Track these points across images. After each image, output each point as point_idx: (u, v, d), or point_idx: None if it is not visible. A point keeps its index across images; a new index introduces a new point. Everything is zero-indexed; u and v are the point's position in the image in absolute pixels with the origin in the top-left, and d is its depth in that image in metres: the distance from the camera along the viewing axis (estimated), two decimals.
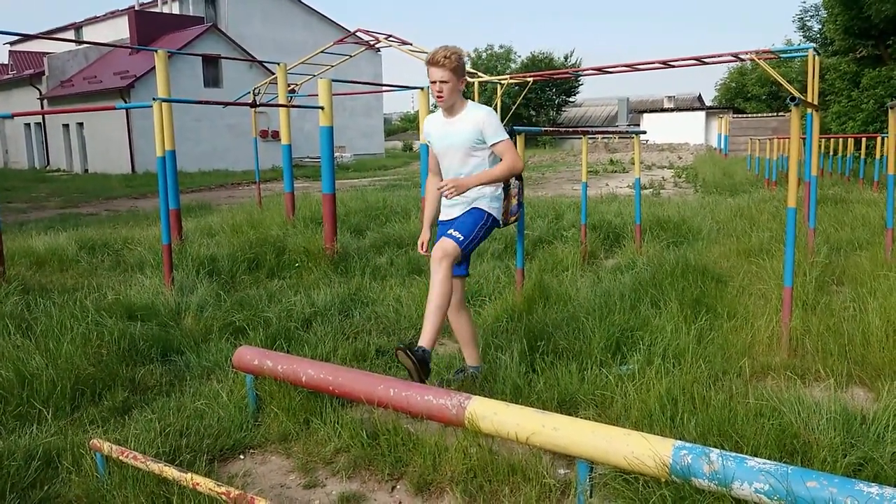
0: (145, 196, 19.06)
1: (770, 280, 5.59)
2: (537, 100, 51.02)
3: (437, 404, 2.93)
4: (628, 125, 48.21)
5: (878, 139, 13.60)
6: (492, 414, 2.80)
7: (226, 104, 6.87)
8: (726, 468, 2.30)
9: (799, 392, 3.42)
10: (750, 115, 37.19)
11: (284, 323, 4.92)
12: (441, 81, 3.58)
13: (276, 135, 32.17)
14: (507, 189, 4.92)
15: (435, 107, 3.87)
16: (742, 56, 8.51)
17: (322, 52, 11.28)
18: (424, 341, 3.38)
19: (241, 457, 3.32)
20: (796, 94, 7.22)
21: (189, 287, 5.82)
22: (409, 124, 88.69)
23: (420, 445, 3.10)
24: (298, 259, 7.20)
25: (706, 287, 5.49)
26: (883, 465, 2.72)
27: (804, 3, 39.00)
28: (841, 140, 14.39)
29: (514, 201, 5.02)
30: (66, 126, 32.33)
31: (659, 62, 9.00)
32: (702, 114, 43.32)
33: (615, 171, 25.06)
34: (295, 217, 9.81)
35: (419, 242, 3.97)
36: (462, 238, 3.61)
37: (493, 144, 3.67)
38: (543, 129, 6.61)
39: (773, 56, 8.58)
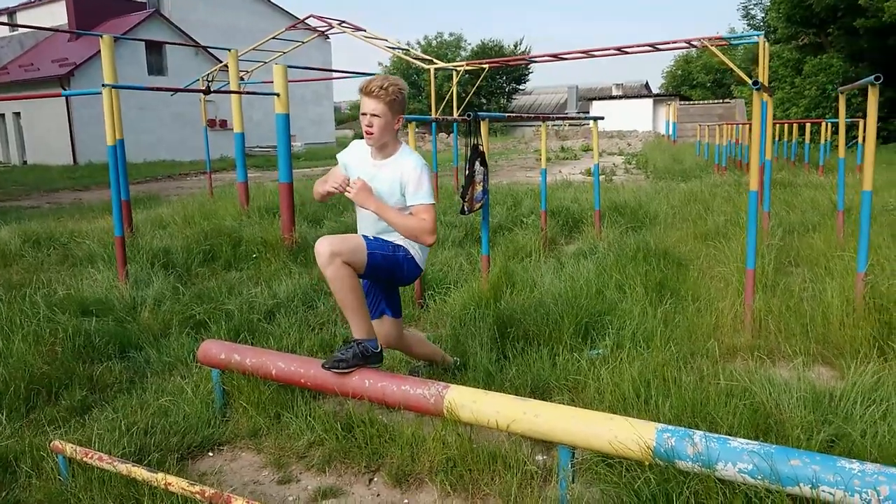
0: (89, 188, 18.44)
1: (730, 263, 5.68)
2: (488, 88, 51.10)
3: (414, 394, 2.88)
4: (577, 112, 48.72)
5: (823, 124, 14.01)
6: (471, 402, 2.76)
7: (178, 90, 6.65)
8: (710, 449, 2.31)
9: (768, 372, 3.48)
10: (697, 102, 37.96)
11: (247, 315, 4.79)
12: (372, 115, 3.06)
13: (224, 124, 31.55)
14: (472, 176, 4.89)
15: None
16: (695, 43, 8.63)
17: (274, 38, 11.04)
18: (358, 334, 3.10)
19: (210, 454, 3.22)
20: (746, 79, 7.32)
21: (144, 280, 5.63)
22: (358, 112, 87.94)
23: (397, 437, 3.05)
24: (256, 250, 7.03)
25: (668, 271, 5.55)
26: (855, 440, 2.77)
27: None
28: (786, 126, 14.78)
29: (479, 188, 4.99)
30: (1, 116, 31.06)
31: (613, 49, 9.06)
32: (649, 101, 44.07)
33: (567, 159, 25.27)
34: (249, 207, 9.60)
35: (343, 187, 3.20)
36: (369, 245, 3.08)
37: (412, 206, 3.12)
38: (507, 114, 6.58)
39: (724, 42, 8.71)
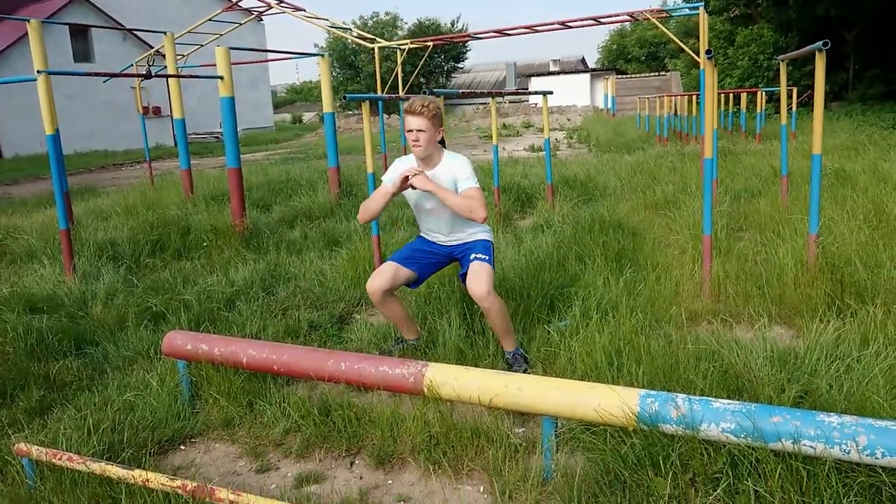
0: (18, 182, 17.67)
1: (683, 231, 5.80)
2: (427, 67, 50.74)
3: (393, 374, 2.85)
4: (517, 89, 48.87)
5: (759, 94, 14.40)
6: (452, 379, 2.74)
7: (117, 76, 6.38)
8: (693, 411, 2.35)
9: (735, 334, 3.57)
10: (633, 76, 38.52)
11: (206, 305, 4.67)
12: (418, 130, 3.46)
13: (157, 111, 30.60)
14: None
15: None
16: (637, 15, 8.71)
17: (210, 20, 10.69)
18: (511, 346, 3.66)
19: (183, 447, 3.13)
20: (689, 52, 7.42)
21: (92, 274, 5.43)
22: (297, 95, 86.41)
23: (376, 418, 3.02)
24: (206, 238, 6.85)
25: (624, 241, 5.63)
26: (822, 394, 2.87)
27: None
28: (722, 96, 15.13)
29: None
30: None
31: (557, 23, 9.08)
32: (586, 76, 44.43)
33: (509, 135, 25.36)
34: (194, 195, 9.34)
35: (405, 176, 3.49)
36: (487, 257, 3.61)
37: (464, 189, 3.49)
38: (461, 91, 6.54)
39: (664, 15, 8.83)
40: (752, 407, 2.32)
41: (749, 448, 2.31)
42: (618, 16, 8.81)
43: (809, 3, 17.29)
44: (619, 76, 40.23)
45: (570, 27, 9.19)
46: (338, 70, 54.80)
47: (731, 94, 15.56)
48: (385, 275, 3.64)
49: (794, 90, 14.35)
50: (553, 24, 9.04)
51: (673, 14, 8.96)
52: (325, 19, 10.72)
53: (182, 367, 3.39)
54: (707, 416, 2.34)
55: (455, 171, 3.55)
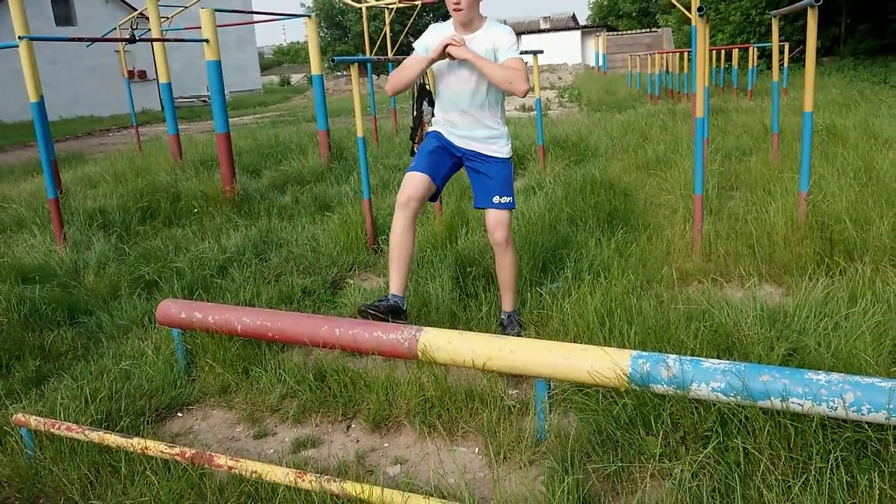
0: (3, 150, 17.47)
1: (674, 190, 5.81)
2: (415, 26, 49.99)
3: (387, 339, 2.87)
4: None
5: (750, 50, 14.29)
6: (446, 343, 2.77)
7: (99, 40, 6.27)
8: (684, 371, 2.39)
9: (725, 293, 3.60)
10: (625, 33, 38.08)
11: (199, 272, 4.67)
12: None
13: (143, 75, 30.13)
14: (420, 117, 4.80)
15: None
16: None
17: None
18: (509, 306, 3.62)
19: (180, 415, 3.16)
20: (682, 9, 7.32)
21: (83, 243, 5.41)
22: (283, 57, 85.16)
23: (371, 383, 3.05)
24: (196, 204, 6.82)
25: (616, 201, 5.64)
26: (810, 351, 2.90)
27: None
28: (713, 52, 14.99)
29: (429, 128, 4.91)
30: None
31: None
32: (577, 34, 44.00)
33: None
34: (183, 161, 9.26)
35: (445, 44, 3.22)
36: (510, 199, 3.45)
37: (505, 59, 3.22)
38: None
39: None
40: (741, 366, 2.35)
41: (738, 406, 2.35)
42: None
43: None
44: (611, 33, 39.77)
45: None
46: (325, 30, 53.96)
47: (722, 51, 15.43)
48: (420, 181, 3.36)
49: (786, 45, 14.26)
50: None
51: None
52: None
53: (177, 336, 3.40)
54: (697, 376, 2.37)
55: (496, 40, 3.27)
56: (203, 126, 20.14)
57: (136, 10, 26.71)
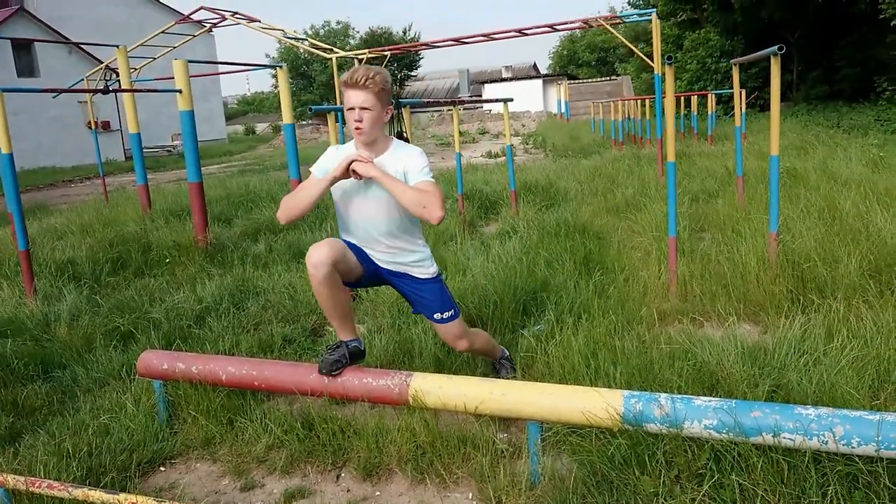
0: None
1: (647, 233, 5.92)
2: None
3: (377, 385, 2.86)
4: (470, 96, 49.19)
5: (710, 97, 14.79)
6: (436, 388, 2.77)
7: (75, 91, 6.25)
8: (676, 410, 2.41)
9: (704, 333, 3.66)
10: (586, 81, 39.11)
11: (176, 322, 4.60)
12: (361, 108, 2.83)
13: (106, 125, 29.96)
14: None
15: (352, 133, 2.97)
16: (591, 22, 8.87)
17: (164, 32, 10.53)
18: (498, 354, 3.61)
19: (163, 469, 3.08)
20: (643, 57, 7.61)
21: (54, 295, 5.30)
22: (248, 106, 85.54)
23: (360, 430, 3.02)
24: (169, 254, 6.75)
25: (590, 244, 5.72)
26: (792, 388, 2.96)
27: None
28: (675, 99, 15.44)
29: None
30: None
31: (514, 30, 9.19)
32: (539, 82, 44.97)
33: (465, 142, 25.47)
34: (152, 211, 9.18)
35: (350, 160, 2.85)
36: (453, 311, 3.15)
37: (416, 183, 2.86)
38: (426, 101, 6.59)
39: (618, 21, 9.01)
40: (731, 403, 2.39)
41: (731, 443, 2.38)
42: (573, 23, 8.96)
43: (754, 7, 17.81)
44: (571, 81, 40.78)
45: (527, 34, 9.32)
46: (291, 80, 54.48)
47: (681, 97, 15.92)
48: (334, 246, 2.90)
49: (743, 92, 14.77)
50: (510, 31, 9.15)
51: (626, 20, 9.16)
52: (280, 30, 10.65)
53: (158, 387, 3.34)
54: (689, 414, 2.40)
55: (406, 163, 2.92)
56: (169, 176, 20.02)
57: (100, 61, 26.72)
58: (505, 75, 53.30)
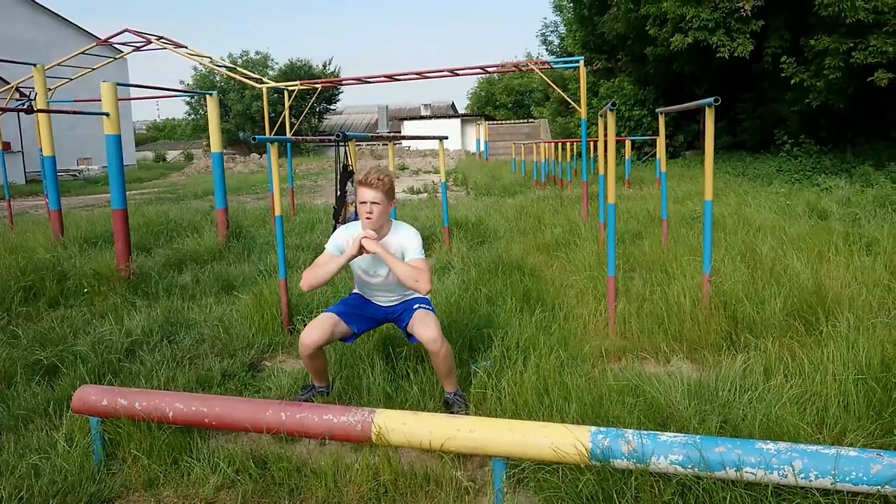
0: None
1: (580, 272, 6.06)
2: (298, 108, 50.39)
3: (339, 423, 2.78)
4: (389, 132, 49.48)
5: (627, 142, 15.43)
6: (400, 425, 2.72)
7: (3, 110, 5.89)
8: (643, 445, 2.46)
9: (648, 370, 3.76)
10: (506, 122, 40.03)
11: (105, 356, 4.35)
12: (373, 203, 3.48)
13: (6, 146, 28.34)
14: (343, 197, 4.82)
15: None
16: (522, 66, 9.13)
17: (84, 52, 10.11)
18: (452, 387, 3.68)
19: None
20: (572, 103, 7.92)
21: None
22: (159, 133, 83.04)
23: (318, 469, 2.93)
24: (87, 283, 6.41)
25: (527, 282, 5.81)
26: (738, 423, 3.08)
27: (545, 19, 43.08)
28: (592, 143, 16.06)
29: (352, 208, 4.94)
30: None
31: (447, 70, 9.36)
32: (457, 121, 45.76)
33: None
34: (65, 237, 8.72)
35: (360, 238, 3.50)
36: (431, 307, 3.73)
37: (410, 259, 3.53)
38: (371, 135, 6.59)
39: (548, 66, 9.31)
40: (696, 438, 2.46)
41: (696, 478, 2.44)
42: (504, 66, 9.21)
43: (665, 60, 18.79)
44: (490, 122, 41.69)
45: (459, 74, 9.49)
46: (204, 108, 53.27)
47: (593, 143, 16.53)
48: (324, 328, 3.55)
49: (656, 140, 15.48)
50: (443, 70, 9.31)
51: (554, 66, 9.49)
52: (207, 56, 10.45)
53: (95, 425, 3.14)
54: (655, 450, 2.46)
55: (403, 242, 3.60)
56: (75, 201, 19.10)
57: (6, 82, 25.39)
58: (424, 113, 53.97)
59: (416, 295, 3.79)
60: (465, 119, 45.89)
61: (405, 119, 47.24)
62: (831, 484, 2.31)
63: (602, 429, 2.56)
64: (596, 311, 5.02)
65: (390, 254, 3.49)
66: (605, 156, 5.09)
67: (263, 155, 39.96)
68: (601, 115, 7.07)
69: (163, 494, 2.96)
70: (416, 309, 3.65)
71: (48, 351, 4.42)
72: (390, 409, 3.15)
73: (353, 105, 60.20)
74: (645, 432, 2.52)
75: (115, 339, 4.68)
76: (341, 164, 4.72)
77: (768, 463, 2.35)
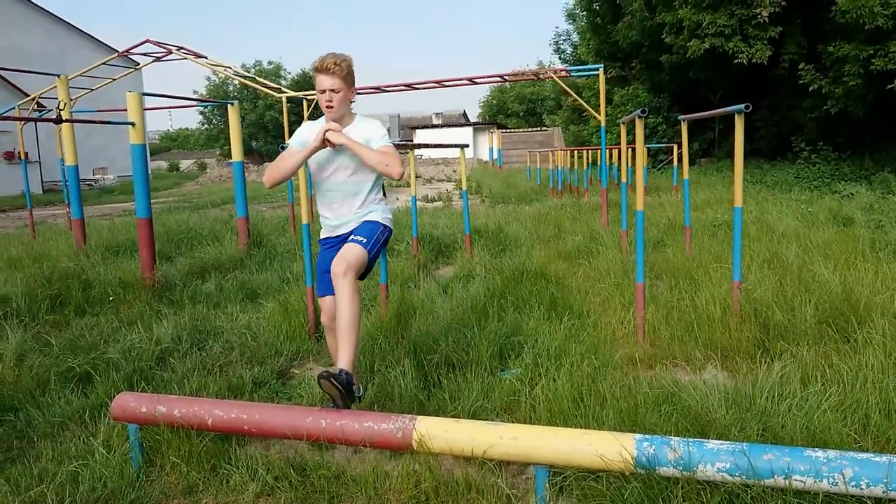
0: None
1: (605, 279, 6.04)
2: (312, 116, 50.66)
3: (379, 430, 2.78)
4: (401, 140, 49.61)
5: (644, 150, 15.41)
6: (442, 432, 2.71)
7: (23, 120, 5.96)
8: (689, 453, 2.45)
9: (679, 377, 3.74)
10: (518, 131, 40.03)
11: (136, 363, 4.37)
12: (331, 90, 3.32)
13: (25, 156, 28.64)
14: None
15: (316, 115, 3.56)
16: (541, 74, 9.14)
17: (106, 63, 10.24)
18: (344, 363, 3.05)
19: None
20: (590, 110, 7.91)
21: None
22: (172, 142, 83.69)
23: (358, 476, 2.92)
24: (112, 291, 6.45)
25: (553, 289, 5.80)
26: (778, 431, 3.05)
27: (557, 28, 43.19)
28: (611, 151, 16.05)
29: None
30: None
31: (466, 79, 9.39)
32: (469, 129, 45.89)
33: (399, 186, 25.60)
34: (88, 246, 8.79)
35: (324, 131, 3.33)
36: (366, 241, 3.36)
37: (379, 147, 3.36)
38: (399, 142, 6.59)
39: (566, 74, 9.32)
40: (742, 446, 2.44)
41: (744, 486, 2.42)
42: (524, 74, 9.23)
43: (681, 67, 18.78)
44: (503, 130, 41.76)
45: (478, 83, 9.52)
46: (218, 118, 53.71)
47: (613, 150, 16.50)
48: (329, 309, 3.57)
49: (675, 147, 15.46)
50: (462, 79, 9.34)
51: (572, 74, 9.51)
52: (227, 66, 10.54)
53: (133, 432, 3.15)
54: (702, 457, 2.44)
55: (367, 133, 3.42)
56: (92, 210, 19.23)
57: (20, 90, 25.68)
58: (436, 122, 54.16)
59: (370, 216, 3.51)
60: (477, 127, 46.01)
61: (417, 128, 47.41)
62: (883, 492, 2.28)
63: (647, 436, 2.54)
64: (623, 318, 5.00)
65: (356, 142, 3.32)
66: (633, 163, 5.08)
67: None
68: (623, 123, 7.10)
69: (202, 501, 2.96)
70: (350, 240, 3.36)
71: (80, 358, 4.44)
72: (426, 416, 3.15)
73: (364, 114, 60.49)
74: (691, 440, 2.50)
75: (146, 346, 4.71)
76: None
77: (818, 471, 2.33)
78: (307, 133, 3.51)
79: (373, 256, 3.40)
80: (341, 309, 3.16)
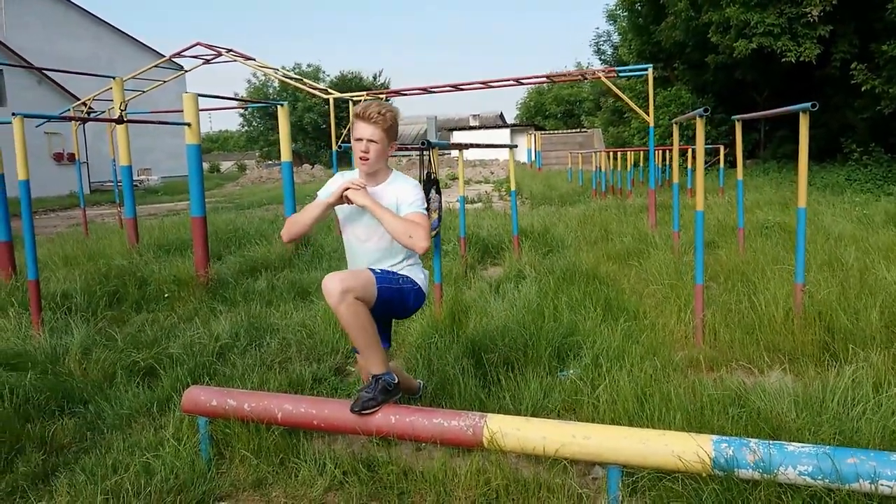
0: None
1: (658, 281, 5.97)
2: (347, 119, 51.04)
3: (450, 426, 2.78)
4: (438, 140, 49.67)
5: (689, 151, 15.23)
6: (514, 430, 2.70)
7: (93, 120, 6.12)
8: (770, 455, 2.40)
9: (740, 380, 3.67)
10: (557, 132, 39.84)
11: (199, 359, 4.45)
12: (369, 140, 2.99)
13: (71, 157, 29.35)
14: (427, 204, 4.83)
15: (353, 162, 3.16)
16: (588, 75, 9.08)
17: (157, 66, 10.46)
18: (375, 369, 2.97)
19: None
20: (639, 111, 7.84)
21: (59, 328, 5.10)
22: (212, 144, 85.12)
23: (427, 473, 2.93)
24: (167, 289, 6.58)
25: (607, 290, 5.75)
26: (851, 435, 2.98)
27: (597, 29, 43.01)
28: (659, 152, 15.86)
29: (435, 216, 4.95)
30: None
31: (512, 79, 9.37)
32: (506, 131, 45.77)
33: (444, 187, 25.63)
34: (140, 244, 8.97)
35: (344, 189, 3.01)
36: (380, 272, 3.05)
37: (406, 214, 3.00)
38: (450, 143, 6.62)
39: (614, 74, 9.25)
40: (825, 449, 2.38)
41: (826, 490, 2.37)
42: (570, 74, 9.18)
43: (727, 67, 18.50)
44: (541, 132, 41.59)
45: (523, 83, 9.50)
46: (258, 120, 54.42)
47: (659, 151, 16.32)
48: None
49: (722, 148, 15.24)
50: (508, 80, 9.32)
51: (620, 74, 9.44)
52: (273, 68, 10.68)
53: (203, 425, 3.20)
54: (783, 460, 2.39)
55: (399, 194, 3.07)
56: (138, 210, 19.61)
57: (71, 93, 26.34)
58: (472, 123, 54.13)
59: (402, 271, 3.17)
60: (515, 129, 45.87)
61: (454, 129, 47.43)
62: None
63: (724, 437, 2.50)
64: (679, 320, 4.93)
65: (381, 206, 2.96)
66: (686, 163, 5.02)
67: (315, 165, 40.61)
68: (675, 123, 7.02)
69: (272, 494, 3.00)
70: None
71: (144, 353, 4.54)
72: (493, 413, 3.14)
73: (402, 115, 60.75)
74: (770, 442, 2.45)
75: (205, 342, 4.78)
76: (425, 172, 4.74)
77: None
78: (336, 184, 3.15)
79: (381, 290, 2.98)
80: (350, 334, 2.94)
